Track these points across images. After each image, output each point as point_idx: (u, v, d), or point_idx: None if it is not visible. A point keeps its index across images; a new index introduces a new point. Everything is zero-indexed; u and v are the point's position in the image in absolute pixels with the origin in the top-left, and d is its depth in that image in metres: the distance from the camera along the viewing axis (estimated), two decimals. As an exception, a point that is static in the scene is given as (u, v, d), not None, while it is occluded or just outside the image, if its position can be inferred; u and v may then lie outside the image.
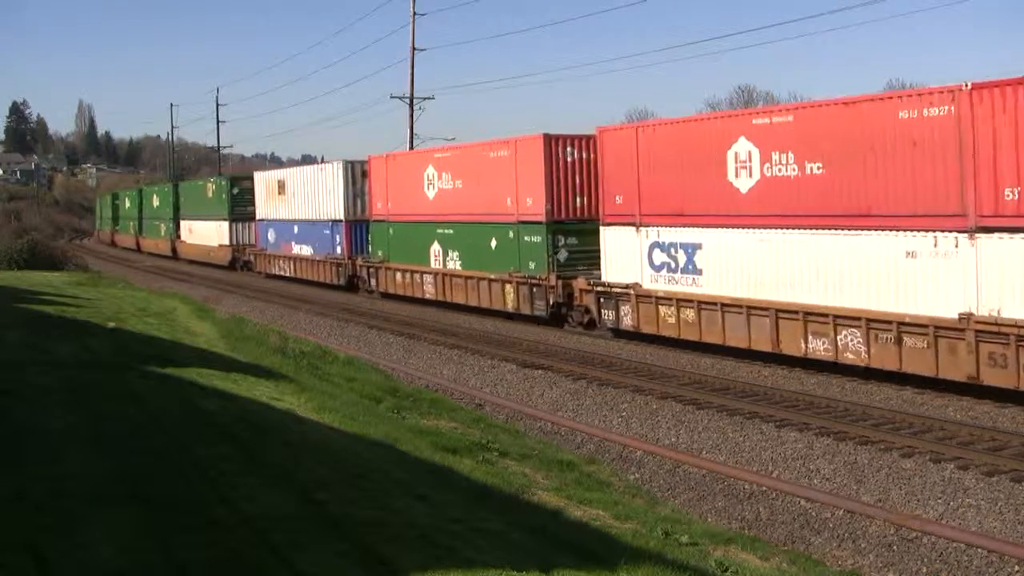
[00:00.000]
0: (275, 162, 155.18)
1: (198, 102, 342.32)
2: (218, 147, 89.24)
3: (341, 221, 37.55)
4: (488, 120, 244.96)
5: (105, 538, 5.75)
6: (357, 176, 37.10)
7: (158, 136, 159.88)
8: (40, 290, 25.95)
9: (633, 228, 22.47)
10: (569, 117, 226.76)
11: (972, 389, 16.14)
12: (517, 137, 27.33)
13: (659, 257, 21.90)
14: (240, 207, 50.43)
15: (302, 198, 41.23)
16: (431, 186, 31.07)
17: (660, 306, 21.72)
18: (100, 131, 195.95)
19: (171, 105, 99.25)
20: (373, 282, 35.45)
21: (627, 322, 22.81)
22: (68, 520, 6.00)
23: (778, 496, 12.80)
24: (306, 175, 41.56)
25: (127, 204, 79.77)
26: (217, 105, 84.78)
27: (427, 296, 31.53)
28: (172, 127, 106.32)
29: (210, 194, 54.51)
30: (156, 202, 68.20)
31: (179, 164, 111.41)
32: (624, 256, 22.83)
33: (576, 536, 8.48)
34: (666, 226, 21.75)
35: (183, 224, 60.78)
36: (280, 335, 22.89)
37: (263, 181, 46.83)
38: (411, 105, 46.17)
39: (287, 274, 43.62)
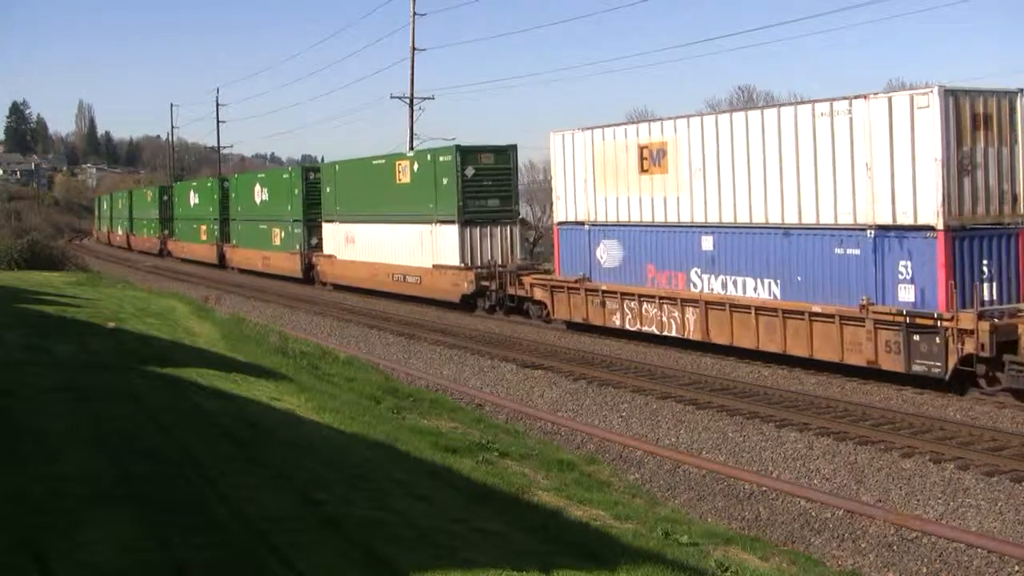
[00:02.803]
0: (275, 162, 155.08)
1: (198, 102, 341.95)
2: (218, 147, 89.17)
3: (929, 230, 16.81)
4: (488, 120, 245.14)
5: (105, 538, 5.75)
6: (964, 125, 16.75)
7: (158, 136, 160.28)
8: (40, 290, 25.93)
9: None
10: (569, 117, 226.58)
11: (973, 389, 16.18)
12: None
13: None
14: (476, 201, 30.73)
15: (734, 176, 20.48)
16: None
17: None
18: (100, 131, 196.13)
19: (171, 105, 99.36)
20: None
21: None
22: (68, 520, 5.99)
23: (778, 496, 12.80)
24: (761, 123, 19.72)
25: (194, 199, 58.88)
26: (217, 105, 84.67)
27: None
28: (172, 127, 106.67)
29: (405, 178, 33.59)
30: (263, 196, 46.94)
31: (179, 164, 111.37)
32: None
33: (576, 536, 8.47)
34: None
35: (331, 229, 39.12)
36: (280, 335, 22.90)
37: (581, 146, 24.99)
38: (411, 105, 46.12)
39: (666, 332, 22.55)
